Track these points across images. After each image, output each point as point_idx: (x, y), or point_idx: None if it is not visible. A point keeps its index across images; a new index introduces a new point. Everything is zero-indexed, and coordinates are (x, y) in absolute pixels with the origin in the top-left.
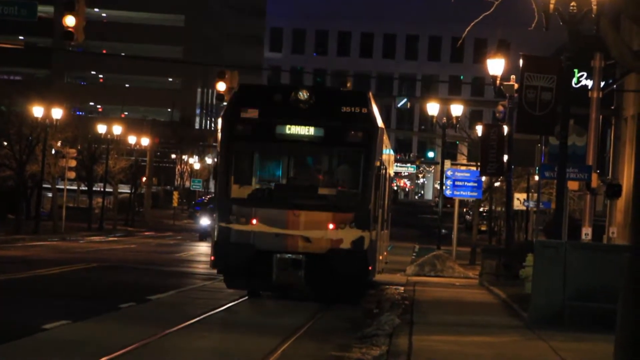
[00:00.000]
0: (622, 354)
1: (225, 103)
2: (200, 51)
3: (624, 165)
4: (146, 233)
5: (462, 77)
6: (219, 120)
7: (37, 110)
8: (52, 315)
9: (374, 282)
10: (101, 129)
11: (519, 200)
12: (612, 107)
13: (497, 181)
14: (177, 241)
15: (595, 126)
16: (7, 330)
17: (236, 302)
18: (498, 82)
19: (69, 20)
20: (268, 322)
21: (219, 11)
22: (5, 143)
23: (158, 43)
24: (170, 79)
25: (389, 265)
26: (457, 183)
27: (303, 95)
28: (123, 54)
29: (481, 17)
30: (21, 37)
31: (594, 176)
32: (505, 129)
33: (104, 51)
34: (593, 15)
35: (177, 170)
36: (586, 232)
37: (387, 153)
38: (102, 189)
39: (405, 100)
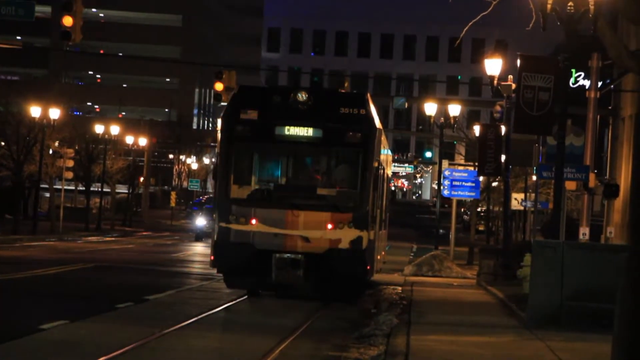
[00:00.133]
0: (620, 353)
1: (223, 103)
2: (198, 51)
3: (621, 165)
4: (144, 233)
5: (459, 77)
6: (219, 121)
7: (35, 110)
8: (49, 315)
9: (372, 282)
10: (99, 129)
11: (517, 200)
12: (610, 107)
13: (494, 181)
14: (175, 241)
15: (593, 126)
16: (4, 330)
17: (234, 302)
18: (495, 82)
19: (67, 21)
20: (266, 322)
21: (216, 11)
22: (3, 143)
23: (156, 43)
24: (168, 79)
25: (387, 265)
26: (454, 183)
27: (302, 96)
28: (120, 54)
29: (479, 17)
30: (19, 37)
31: (592, 176)
32: (503, 129)
33: (102, 51)
34: (590, 15)
35: (174, 170)
36: (584, 232)
37: (385, 153)
38: (99, 189)
39: (402, 100)
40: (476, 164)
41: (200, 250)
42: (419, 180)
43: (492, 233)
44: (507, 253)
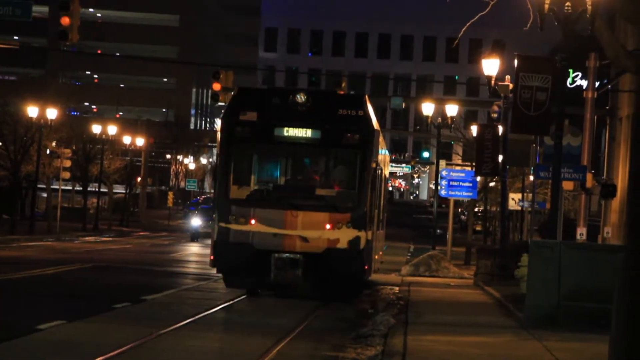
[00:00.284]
0: (618, 353)
1: (220, 103)
2: (195, 51)
3: (618, 165)
4: (141, 233)
5: (457, 77)
6: (219, 123)
7: (32, 111)
8: (47, 315)
9: (369, 282)
10: (96, 129)
11: (514, 200)
12: (607, 107)
13: (492, 181)
14: (172, 241)
15: (590, 126)
16: (1, 331)
17: (231, 301)
18: (493, 82)
19: (64, 21)
20: (264, 321)
21: (214, 11)
22: (0, 143)
23: (153, 43)
24: (165, 79)
25: (384, 266)
26: (452, 183)
27: (301, 98)
28: (118, 54)
29: (477, 17)
30: (16, 37)
31: (589, 176)
32: (500, 129)
33: (99, 51)
34: (588, 16)
35: (172, 170)
36: (581, 232)
37: (383, 154)
38: (97, 189)
39: (400, 100)
40: (473, 164)
41: (196, 250)
42: (416, 180)
43: (489, 233)
44: (505, 253)
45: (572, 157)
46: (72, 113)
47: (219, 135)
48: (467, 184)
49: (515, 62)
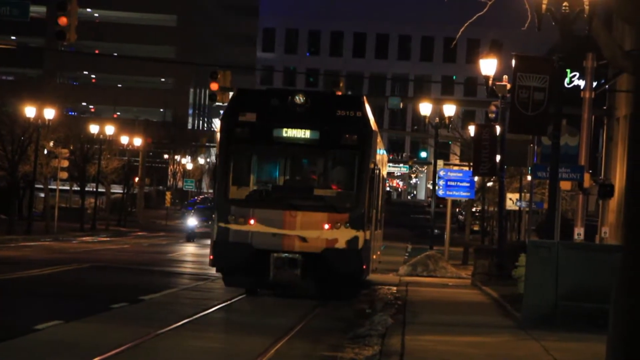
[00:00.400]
0: (615, 354)
1: (218, 103)
2: (193, 51)
3: (616, 165)
4: (138, 233)
5: (454, 77)
6: (218, 123)
7: (30, 111)
8: (44, 315)
9: (367, 281)
10: (94, 129)
11: (512, 200)
12: (605, 107)
13: (489, 181)
14: (169, 241)
15: (588, 126)
16: None
17: (229, 301)
18: (490, 82)
19: (61, 21)
20: (261, 321)
21: (211, 11)
22: None
23: (151, 43)
24: (163, 79)
25: (382, 265)
26: (449, 183)
27: (300, 99)
28: (115, 54)
29: (475, 17)
30: (13, 37)
31: (587, 176)
32: (498, 129)
33: (97, 51)
34: (585, 16)
35: (169, 170)
36: (578, 232)
37: (381, 154)
38: (94, 189)
39: (397, 100)
40: (471, 164)
41: (194, 250)
42: (414, 180)
43: (487, 233)
44: (502, 253)
45: (569, 157)
46: (70, 113)
47: (218, 135)
48: (464, 184)
49: (513, 62)
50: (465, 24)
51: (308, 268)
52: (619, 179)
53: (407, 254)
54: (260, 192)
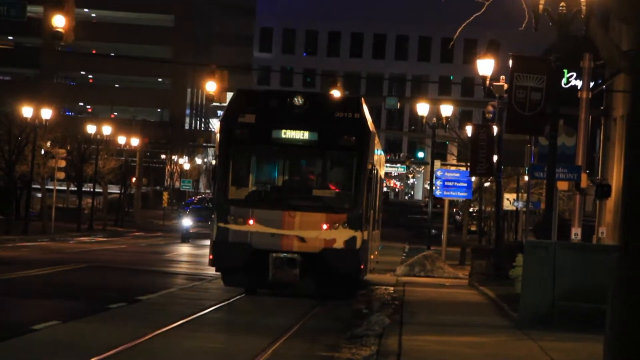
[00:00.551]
0: (611, 354)
1: (215, 103)
2: (190, 51)
3: (613, 165)
4: (136, 233)
5: (452, 77)
6: (218, 125)
7: (27, 111)
8: (42, 315)
9: (365, 282)
10: (91, 129)
11: (509, 200)
12: (602, 108)
13: (486, 181)
14: (167, 241)
15: (585, 126)
16: None
17: (227, 302)
18: (488, 82)
19: (58, 21)
20: (258, 321)
21: (208, 11)
22: None
23: (148, 43)
24: (160, 79)
25: (379, 266)
26: (447, 183)
27: (298, 100)
28: (112, 54)
29: (472, 17)
30: (10, 37)
31: (584, 176)
32: (495, 129)
33: (94, 51)
34: (582, 16)
35: (166, 170)
36: (576, 232)
37: (378, 154)
38: (91, 190)
39: (395, 100)
40: (468, 164)
41: (191, 251)
42: (411, 180)
43: (484, 233)
44: (499, 253)
45: (566, 157)
46: (67, 113)
47: (217, 136)
48: (462, 184)
49: (510, 62)
50: (463, 24)
51: (306, 268)
52: (616, 179)
53: (404, 254)
54: (260, 192)
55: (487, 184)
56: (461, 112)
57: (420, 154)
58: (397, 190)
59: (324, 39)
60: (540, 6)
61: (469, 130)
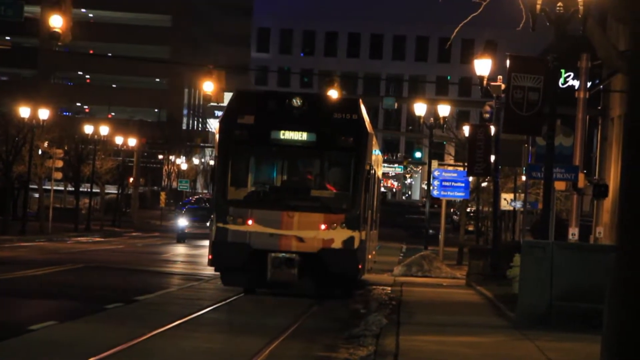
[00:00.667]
0: (609, 354)
1: (212, 103)
2: (187, 51)
3: (610, 165)
4: (133, 234)
5: (449, 77)
6: (217, 125)
7: (24, 111)
8: (39, 315)
9: (362, 282)
10: (88, 129)
11: (506, 200)
12: (599, 108)
13: (484, 181)
14: (164, 242)
15: (582, 126)
16: None
17: (224, 302)
18: (485, 82)
19: (56, 21)
20: (256, 322)
21: (206, 11)
22: None
23: (145, 43)
24: (157, 80)
25: (377, 266)
26: (444, 183)
27: (297, 102)
28: (110, 54)
29: (469, 17)
30: (8, 37)
31: (581, 176)
32: (493, 129)
33: (91, 51)
34: (580, 16)
35: (164, 170)
36: (573, 232)
37: (376, 154)
38: (89, 190)
39: (392, 100)
40: (466, 164)
41: (187, 251)
42: (408, 180)
43: (481, 233)
44: (497, 253)
45: (564, 157)
46: (64, 113)
47: (216, 137)
48: (459, 184)
49: (507, 62)
50: (460, 24)
51: (305, 268)
52: (613, 179)
53: (401, 254)
54: (258, 193)
55: (484, 184)
56: (458, 112)
57: (418, 154)
58: (394, 190)
59: (322, 39)
60: (538, 6)
61: (466, 130)
